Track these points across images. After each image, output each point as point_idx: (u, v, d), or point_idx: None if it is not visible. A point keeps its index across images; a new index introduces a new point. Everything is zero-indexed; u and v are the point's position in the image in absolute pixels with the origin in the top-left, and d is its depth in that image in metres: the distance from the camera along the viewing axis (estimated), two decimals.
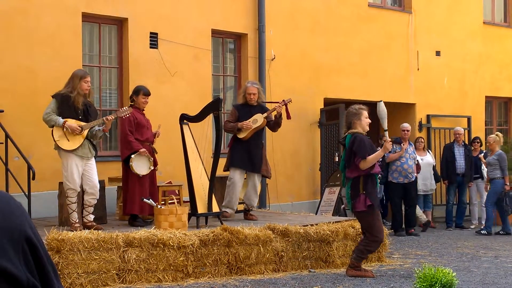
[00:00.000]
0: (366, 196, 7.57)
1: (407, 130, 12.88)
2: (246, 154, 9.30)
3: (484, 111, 16.33)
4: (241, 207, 9.79)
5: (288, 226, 8.32)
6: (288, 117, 9.59)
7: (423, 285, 5.60)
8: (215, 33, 11.85)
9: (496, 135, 13.33)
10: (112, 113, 9.24)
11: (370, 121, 7.97)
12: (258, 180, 9.53)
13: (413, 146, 13.07)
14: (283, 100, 9.53)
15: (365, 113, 7.90)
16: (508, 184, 12.88)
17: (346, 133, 7.85)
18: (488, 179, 13.27)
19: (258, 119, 9.30)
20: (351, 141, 7.66)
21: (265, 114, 9.32)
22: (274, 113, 9.36)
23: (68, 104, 7.98)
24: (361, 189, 7.62)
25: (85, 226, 8.01)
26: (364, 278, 7.62)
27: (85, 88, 8.06)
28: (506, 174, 12.90)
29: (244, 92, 9.51)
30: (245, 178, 9.58)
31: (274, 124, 9.47)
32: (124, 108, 8.45)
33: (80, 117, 8.05)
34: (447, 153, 14.03)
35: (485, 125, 16.32)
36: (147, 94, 8.85)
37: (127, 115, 8.41)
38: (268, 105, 9.84)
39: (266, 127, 9.73)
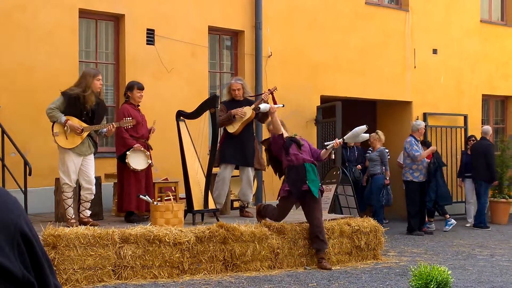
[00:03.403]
0: (287, 182, 8.24)
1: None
2: (238, 148, 9.33)
3: (481, 110, 16.34)
4: (237, 204, 9.79)
5: (284, 223, 8.33)
6: (275, 104, 9.63)
7: (419, 283, 5.61)
8: (212, 30, 11.85)
9: (376, 133, 13.64)
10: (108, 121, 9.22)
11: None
12: (251, 173, 9.54)
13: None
14: (269, 89, 9.61)
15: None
16: (387, 178, 13.30)
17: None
18: (368, 174, 13.74)
19: (247, 112, 9.33)
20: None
21: (253, 106, 9.36)
22: (261, 102, 9.39)
23: (76, 104, 7.96)
24: (285, 179, 8.36)
25: (81, 222, 8.01)
26: (360, 276, 7.64)
27: (98, 86, 8.06)
28: (387, 169, 13.37)
29: (229, 89, 9.56)
30: (237, 176, 9.60)
31: (262, 115, 9.50)
32: (128, 118, 8.42)
33: (83, 118, 8.03)
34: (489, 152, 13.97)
35: (482, 124, 16.32)
36: (141, 88, 8.85)
37: (130, 126, 8.43)
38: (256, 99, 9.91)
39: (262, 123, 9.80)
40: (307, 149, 8.37)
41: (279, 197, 8.48)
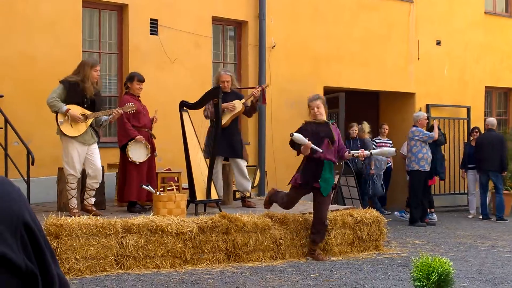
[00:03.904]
0: (300, 174, 8.11)
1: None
2: (226, 141, 9.30)
3: (484, 101, 16.31)
4: (238, 195, 9.83)
5: (286, 214, 8.35)
6: (264, 102, 9.63)
7: (420, 274, 5.62)
8: (216, 20, 11.82)
9: (362, 124, 13.57)
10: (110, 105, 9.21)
11: (315, 110, 8.22)
12: (243, 164, 9.52)
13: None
14: (260, 86, 9.60)
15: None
16: (372, 169, 13.32)
17: None
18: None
19: (237, 106, 9.32)
20: None
21: (243, 100, 9.36)
22: (251, 98, 9.40)
23: (76, 91, 7.96)
24: (300, 167, 8.21)
25: (85, 209, 8.03)
26: (361, 267, 7.65)
27: (95, 76, 8.06)
28: (372, 160, 13.35)
29: (217, 80, 9.54)
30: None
31: (250, 109, 9.50)
32: (130, 104, 8.43)
33: (85, 105, 8.04)
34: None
35: (485, 115, 16.28)
36: (141, 80, 8.82)
37: (132, 111, 8.42)
38: (244, 91, 9.90)
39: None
40: (335, 146, 8.15)
41: (290, 184, 8.40)
